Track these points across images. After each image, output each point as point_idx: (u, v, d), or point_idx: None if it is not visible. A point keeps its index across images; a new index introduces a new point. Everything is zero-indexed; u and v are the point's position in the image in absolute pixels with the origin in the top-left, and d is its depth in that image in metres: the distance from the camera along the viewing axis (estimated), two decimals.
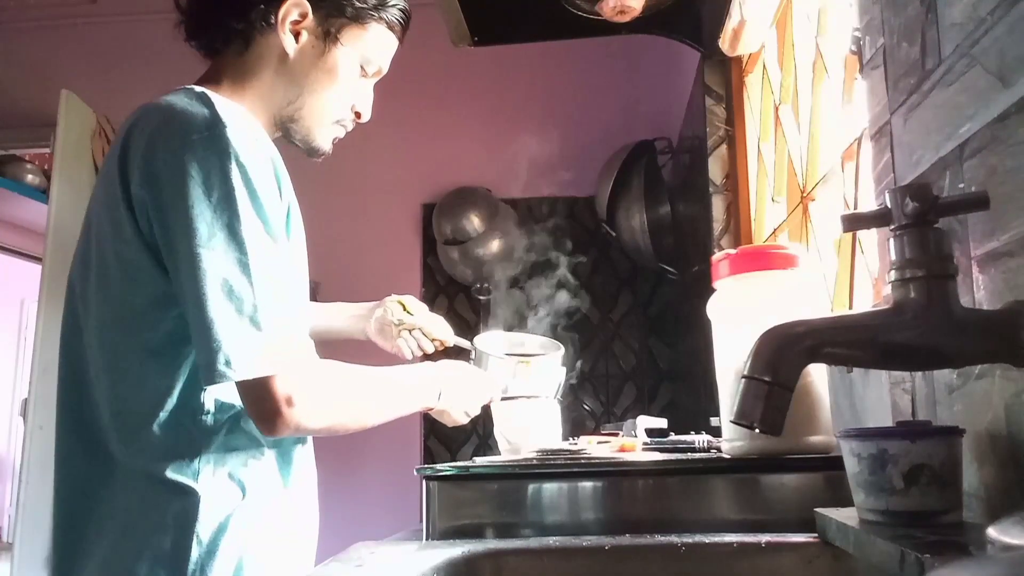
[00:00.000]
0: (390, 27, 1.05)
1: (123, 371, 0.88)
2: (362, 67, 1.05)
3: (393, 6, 1.04)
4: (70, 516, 0.91)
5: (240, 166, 0.84)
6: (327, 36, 1.00)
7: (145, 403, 0.87)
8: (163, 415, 0.87)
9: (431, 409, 1.09)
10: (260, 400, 0.84)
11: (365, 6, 1.01)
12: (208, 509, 0.85)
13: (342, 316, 1.36)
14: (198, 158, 0.84)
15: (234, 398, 0.89)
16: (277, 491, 0.93)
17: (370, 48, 1.04)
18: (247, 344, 0.81)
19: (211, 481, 0.86)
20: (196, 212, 0.82)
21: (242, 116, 0.90)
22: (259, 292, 0.83)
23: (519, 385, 1.20)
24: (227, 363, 0.80)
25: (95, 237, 0.92)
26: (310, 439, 1.01)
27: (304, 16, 0.99)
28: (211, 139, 0.84)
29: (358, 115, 1.08)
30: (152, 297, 0.87)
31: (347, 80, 1.04)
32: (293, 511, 0.95)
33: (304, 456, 0.99)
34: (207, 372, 0.81)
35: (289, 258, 0.90)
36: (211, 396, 0.88)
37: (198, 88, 0.93)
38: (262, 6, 0.97)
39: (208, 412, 0.88)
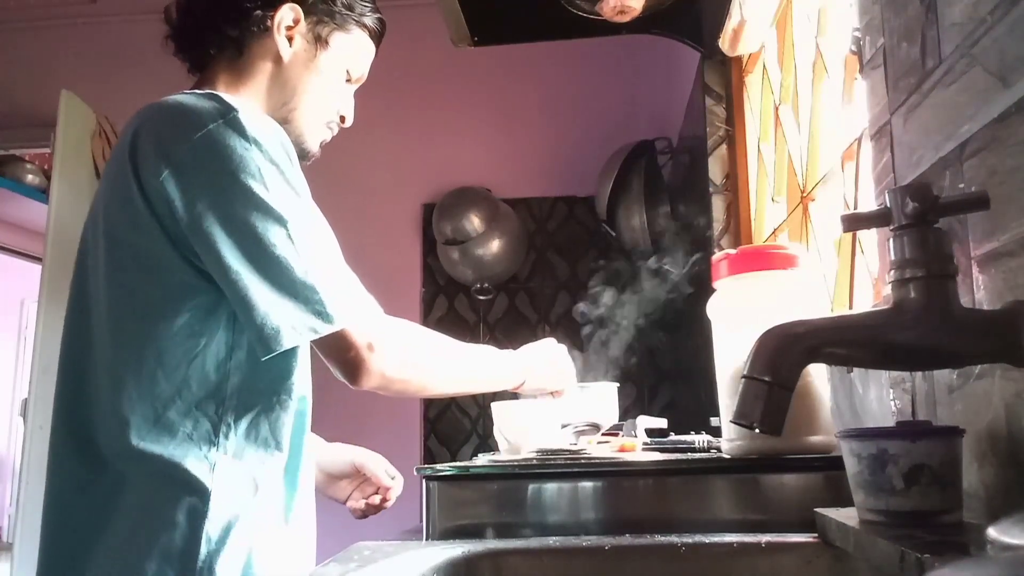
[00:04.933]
0: (370, 34, 1.12)
1: (139, 365, 0.87)
2: (347, 72, 1.10)
3: (372, 14, 1.11)
4: (64, 518, 0.90)
5: (258, 144, 0.87)
6: (318, 41, 1.06)
7: (162, 397, 0.86)
8: (181, 409, 0.86)
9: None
10: (343, 351, 0.88)
11: (350, 13, 1.08)
12: (218, 506, 0.85)
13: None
14: (219, 144, 0.86)
15: (254, 393, 0.89)
16: (287, 489, 0.93)
17: (354, 53, 1.10)
18: (309, 307, 0.84)
19: (225, 477, 0.86)
20: (227, 197, 0.85)
21: (247, 104, 0.93)
22: (307, 255, 0.86)
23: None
24: (293, 328, 0.83)
25: (104, 234, 0.92)
26: (310, 438, 1.00)
27: (297, 22, 1.04)
28: (227, 124, 0.87)
29: (342, 119, 1.13)
30: (171, 288, 0.88)
31: (335, 83, 1.09)
32: (298, 508, 0.95)
33: (310, 454, 0.99)
34: (272, 343, 0.82)
35: (322, 217, 0.94)
36: (235, 389, 0.88)
37: (199, 90, 0.95)
38: (258, 12, 1.02)
39: (231, 404, 0.88)
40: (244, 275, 0.83)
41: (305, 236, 0.87)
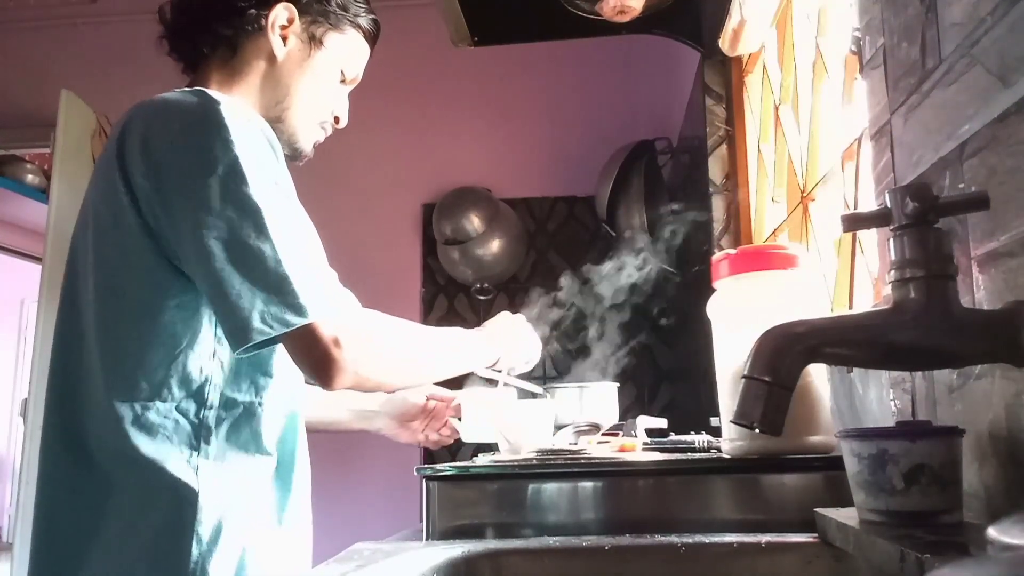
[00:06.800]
0: (365, 35, 1.12)
1: (122, 365, 0.88)
2: (341, 72, 1.10)
3: (367, 15, 1.11)
4: (56, 519, 0.90)
5: (239, 137, 0.86)
6: (312, 40, 1.06)
7: (142, 398, 0.86)
8: (163, 409, 0.86)
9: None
10: (308, 349, 0.84)
11: (345, 13, 1.08)
12: (207, 507, 0.85)
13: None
14: (197, 138, 0.86)
15: (236, 397, 0.89)
16: (279, 492, 0.93)
17: (348, 54, 1.10)
18: (280, 299, 0.82)
19: (211, 479, 0.86)
20: (203, 190, 0.84)
21: (234, 101, 0.92)
22: (281, 248, 0.83)
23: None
24: (263, 320, 0.81)
25: (93, 231, 0.92)
26: (304, 443, 1.00)
27: (291, 21, 1.04)
28: (207, 118, 0.86)
29: (337, 120, 1.13)
30: (153, 286, 0.88)
31: (329, 83, 1.09)
32: (292, 510, 0.95)
33: (304, 457, 0.99)
34: (242, 334, 0.81)
35: (303, 213, 0.92)
36: (216, 391, 0.88)
37: (189, 88, 0.95)
38: (252, 11, 1.02)
39: (211, 407, 0.88)
40: (218, 266, 0.82)
41: (282, 229, 0.85)
